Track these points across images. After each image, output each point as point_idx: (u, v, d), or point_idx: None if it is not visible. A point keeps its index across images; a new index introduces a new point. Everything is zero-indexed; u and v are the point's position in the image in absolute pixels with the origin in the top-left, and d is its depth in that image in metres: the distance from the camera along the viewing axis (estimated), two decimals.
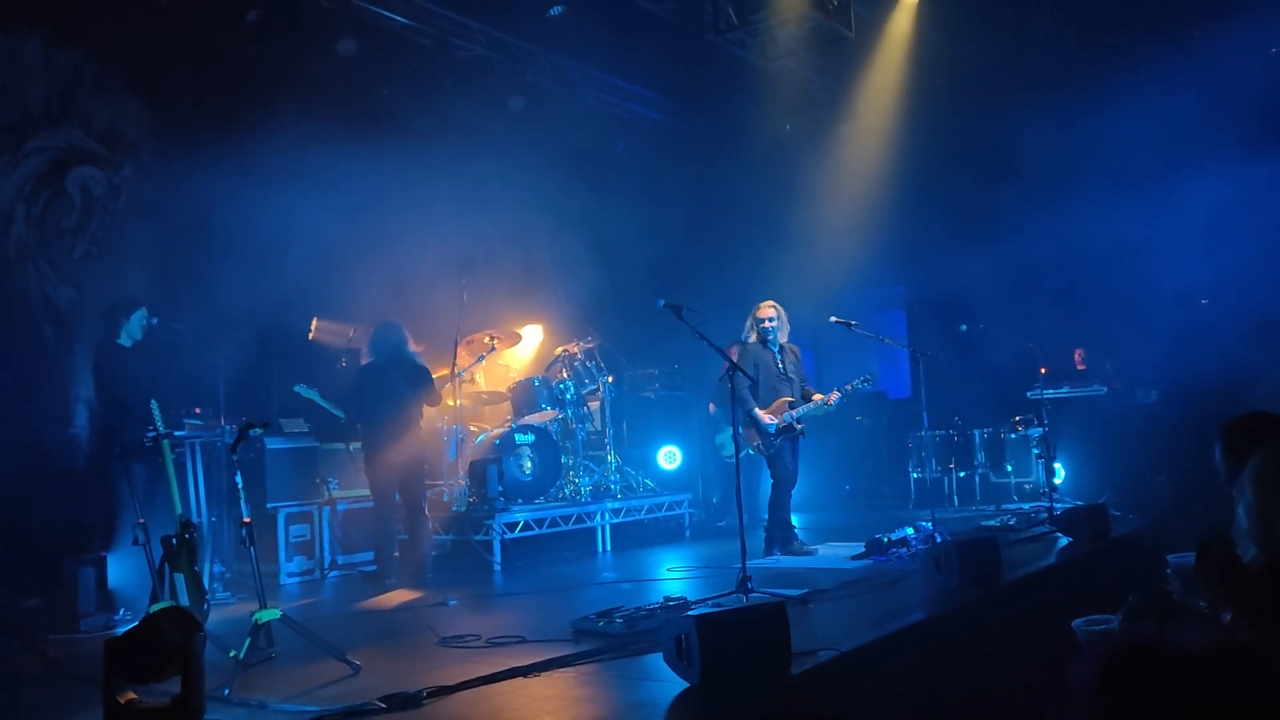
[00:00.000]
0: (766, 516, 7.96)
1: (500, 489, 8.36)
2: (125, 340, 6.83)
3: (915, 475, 10.98)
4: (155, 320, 6.97)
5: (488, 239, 11.06)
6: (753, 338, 7.99)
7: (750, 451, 8.09)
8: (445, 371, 8.65)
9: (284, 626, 4.88)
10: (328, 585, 7.81)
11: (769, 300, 8.07)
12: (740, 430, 7.60)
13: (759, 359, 7.91)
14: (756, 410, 7.75)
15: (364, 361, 7.96)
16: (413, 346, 7.83)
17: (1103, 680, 1.78)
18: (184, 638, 3.28)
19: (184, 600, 5.52)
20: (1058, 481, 10.17)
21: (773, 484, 7.94)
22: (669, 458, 10.71)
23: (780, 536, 7.80)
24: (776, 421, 7.76)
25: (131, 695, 3.40)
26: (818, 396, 7.91)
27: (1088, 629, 2.79)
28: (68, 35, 7.96)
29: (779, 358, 7.98)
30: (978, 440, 10.90)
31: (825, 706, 4.11)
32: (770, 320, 7.92)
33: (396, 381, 7.60)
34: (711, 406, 10.51)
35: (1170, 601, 3.18)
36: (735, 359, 7.01)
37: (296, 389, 8.12)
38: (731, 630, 3.99)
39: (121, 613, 6.14)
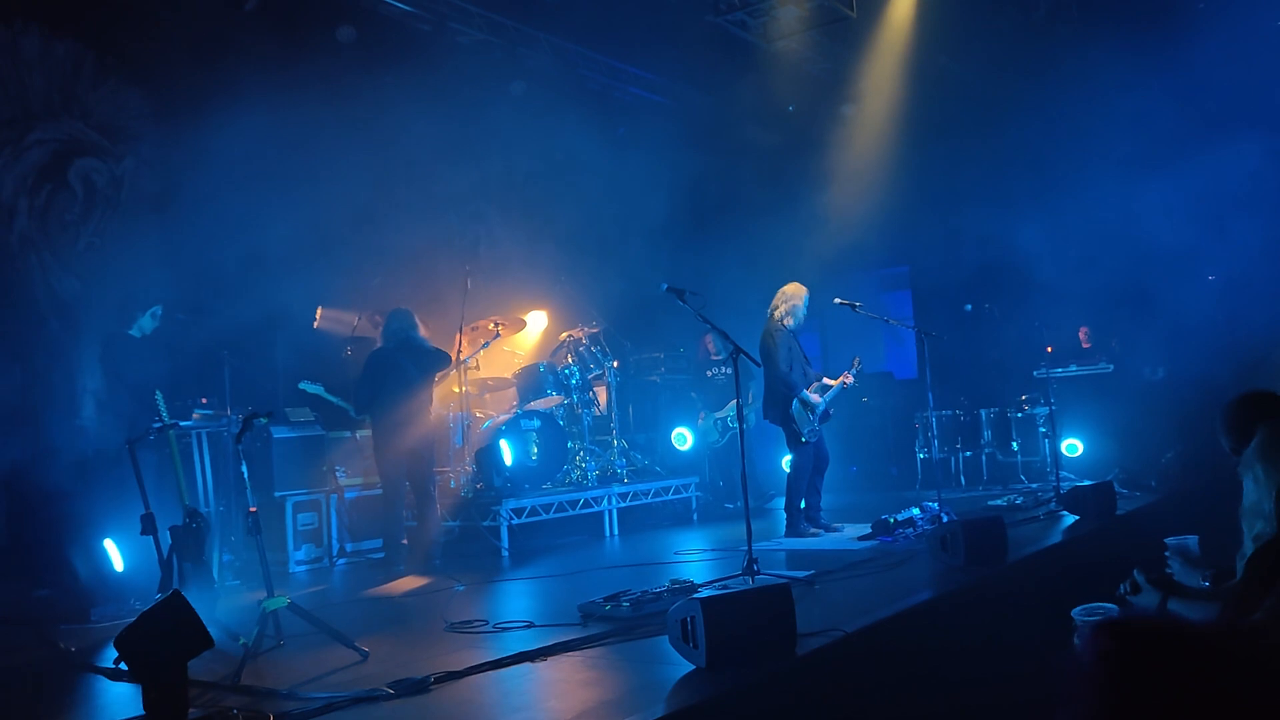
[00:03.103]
0: (786, 498, 7.93)
1: (507, 474, 8.38)
2: (135, 332, 6.92)
3: (922, 455, 10.99)
4: (159, 310, 7.02)
5: (491, 225, 11.07)
6: (789, 320, 7.89)
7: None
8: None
9: (292, 614, 4.90)
10: (336, 572, 7.84)
11: (795, 281, 8.04)
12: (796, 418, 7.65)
13: (790, 343, 7.88)
14: (807, 393, 7.73)
15: (376, 347, 7.98)
16: (423, 332, 7.84)
17: (1106, 658, 1.77)
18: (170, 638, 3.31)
19: (192, 589, 5.54)
20: (1077, 455, 10.16)
21: (801, 467, 7.86)
22: (681, 439, 10.71)
23: (797, 517, 7.81)
24: (822, 404, 7.78)
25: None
26: (831, 380, 7.91)
27: (1086, 617, 2.79)
28: (67, 28, 7.95)
29: (800, 341, 7.99)
30: (984, 420, 10.89)
31: (831, 687, 4.12)
32: (805, 302, 7.90)
33: (406, 367, 7.61)
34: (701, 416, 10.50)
35: (1170, 581, 3.18)
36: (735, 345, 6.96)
37: (301, 386, 8.13)
38: (737, 613, 4.00)
39: (132, 602, 6.17)
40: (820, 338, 13.62)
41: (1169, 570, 3.35)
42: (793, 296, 7.92)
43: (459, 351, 8.62)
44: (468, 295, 8.82)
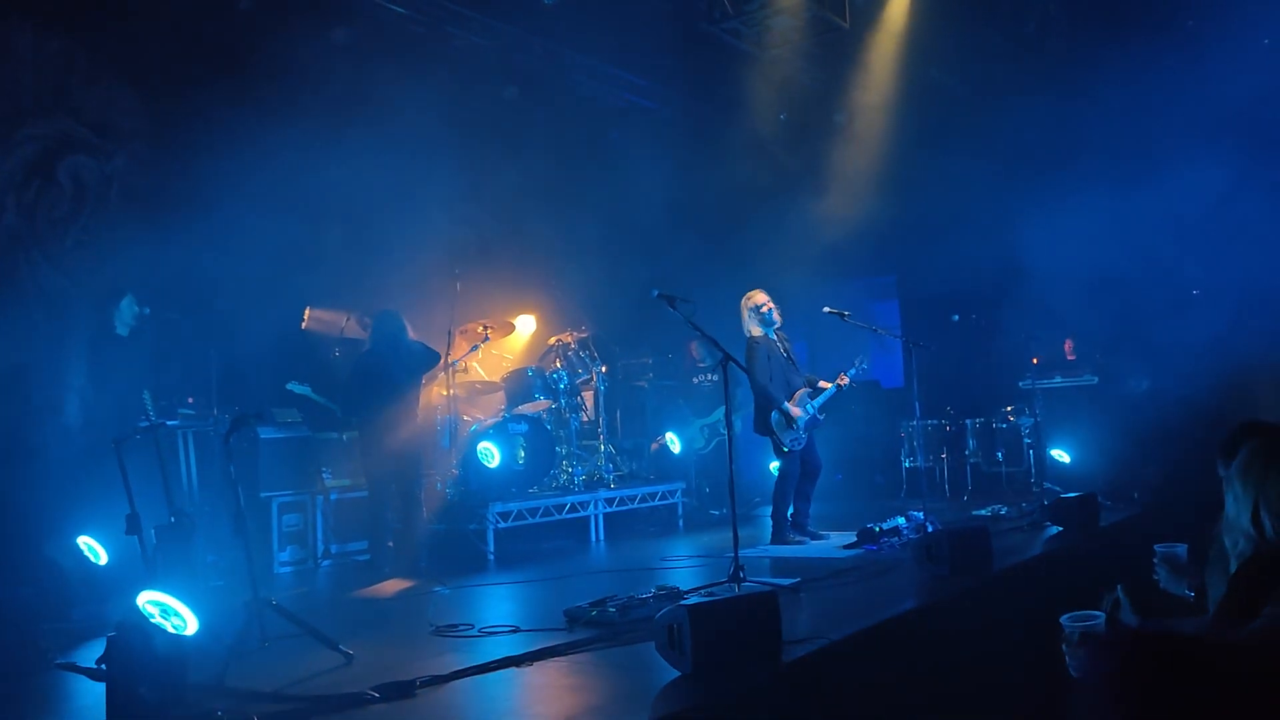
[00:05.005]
0: (773, 506, 7.91)
1: (493, 478, 8.37)
2: (122, 330, 6.91)
3: (907, 464, 11.02)
4: (147, 310, 7.00)
5: (481, 228, 11.06)
6: (756, 330, 7.88)
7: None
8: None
9: (277, 615, 4.89)
10: (321, 574, 7.83)
11: (757, 288, 8.02)
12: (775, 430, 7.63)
13: (770, 351, 7.84)
14: (788, 404, 7.71)
15: (364, 350, 7.97)
16: (412, 335, 7.83)
17: (1126, 672, 1.76)
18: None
19: (176, 589, 5.52)
20: (1065, 465, 10.20)
21: (788, 475, 7.84)
22: (669, 445, 10.71)
23: (782, 525, 7.80)
24: (805, 415, 7.73)
25: None
26: (825, 383, 7.88)
27: (1074, 625, 2.82)
28: (60, 24, 7.91)
29: (783, 346, 7.95)
30: (969, 429, 10.94)
31: (816, 695, 4.13)
32: (768, 305, 7.86)
33: (395, 371, 7.61)
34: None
35: (1156, 591, 3.21)
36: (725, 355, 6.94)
37: (289, 387, 8.12)
38: (723, 619, 4.01)
39: (114, 602, 6.13)
40: (808, 346, 13.65)
41: (1156, 576, 3.38)
42: (747, 306, 7.91)
43: (448, 354, 8.61)
44: (458, 298, 8.81)
